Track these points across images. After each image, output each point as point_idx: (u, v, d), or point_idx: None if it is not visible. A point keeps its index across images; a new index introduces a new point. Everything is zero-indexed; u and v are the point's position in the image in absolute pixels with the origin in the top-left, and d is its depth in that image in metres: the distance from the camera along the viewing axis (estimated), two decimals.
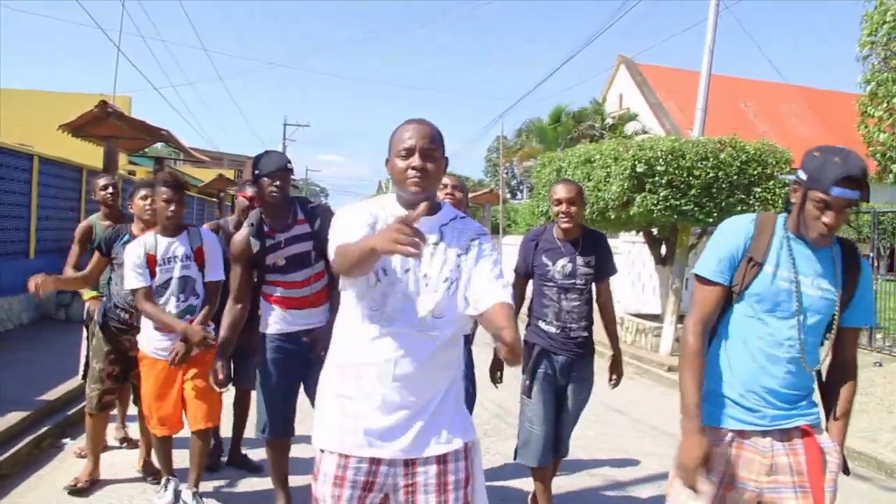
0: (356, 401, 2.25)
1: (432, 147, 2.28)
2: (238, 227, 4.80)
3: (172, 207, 4.15)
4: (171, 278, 4.17)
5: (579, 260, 4.05)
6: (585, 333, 4.09)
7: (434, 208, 2.38)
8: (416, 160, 2.24)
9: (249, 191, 4.86)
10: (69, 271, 5.01)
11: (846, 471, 2.55)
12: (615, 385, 4.31)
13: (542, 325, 4.11)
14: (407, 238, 1.86)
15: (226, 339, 3.89)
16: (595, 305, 4.23)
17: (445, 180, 4.27)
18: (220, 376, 3.83)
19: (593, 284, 4.15)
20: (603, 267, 4.14)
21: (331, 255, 2.25)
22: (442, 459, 2.28)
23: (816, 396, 2.58)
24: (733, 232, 2.54)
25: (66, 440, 5.63)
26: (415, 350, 2.24)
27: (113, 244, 4.53)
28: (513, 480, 5.00)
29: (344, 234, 2.24)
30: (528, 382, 4.09)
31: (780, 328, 2.45)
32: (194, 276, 4.23)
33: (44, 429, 5.52)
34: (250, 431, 4.53)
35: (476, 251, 2.35)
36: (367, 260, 2.05)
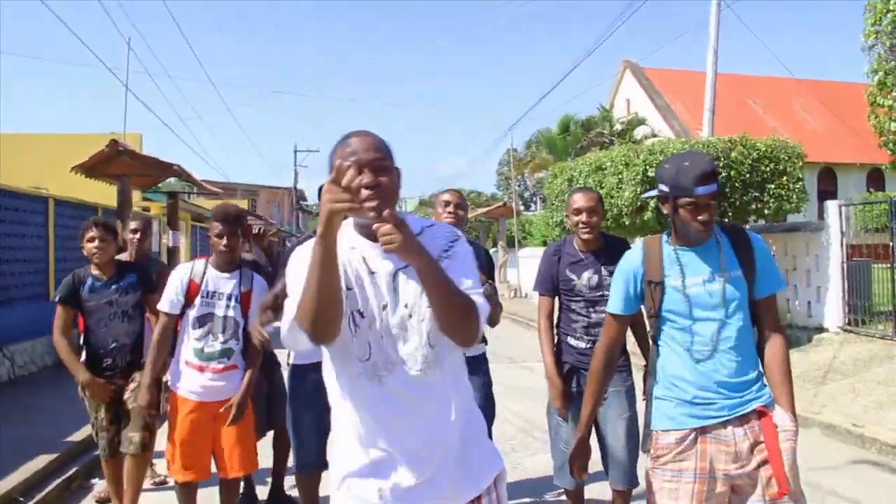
0: (372, 466, 2.02)
1: (380, 157, 1.97)
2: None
3: (225, 241, 3.94)
4: (212, 314, 3.93)
5: (604, 270, 3.84)
6: None
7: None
8: (366, 177, 1.91)
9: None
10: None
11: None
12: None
13: (571, 341, 3.92)
14: (339, 194, 1.72)
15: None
16: None
17: (447, 197, 4.18)
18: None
19: None
20: None
21: (284, 324, 1.97)
22: (476, 501, 2.10)
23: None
24: (623, 268, 2.81)
25: (95, 480, 5.62)
26: (421, 394, 2.00)
27: (79, 289, 4.39)
28: (543, 495, 4.95)
29: (295, 286, 1.98)
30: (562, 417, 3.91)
31: (703, 329, 2.61)
32: (238, 319, 3.97)
33: (72, 470, 5.53)
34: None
35: (451, 261, 2.07)
36: (326, 267, 1.80)
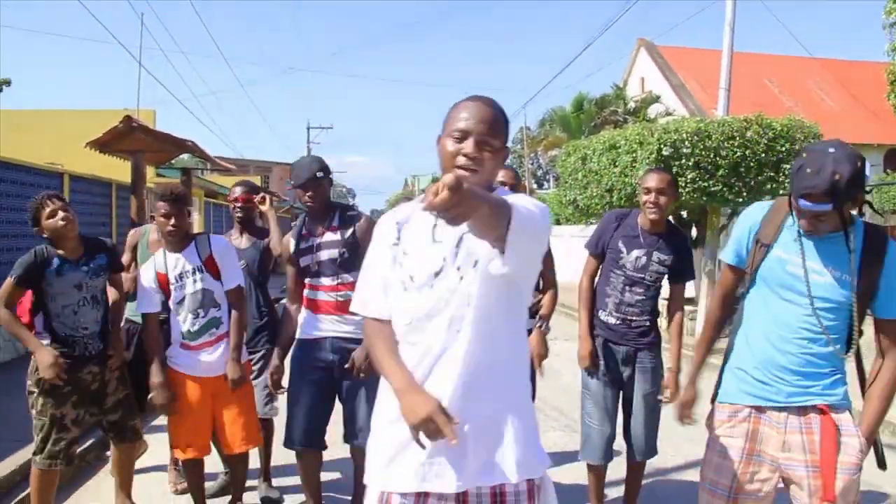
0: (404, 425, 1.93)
1: (490, 134, 1.93)
2: (239, 232, 4.82)
3: (172, 221, 3.84)
4: (185, 296, 3.91)
5: (655, 255, 3.85)
6: (648, 323, 3.91)
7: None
8: (469, 146, 1.91)
9: (238, 191, 4.82)
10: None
11: (881, 464, 2.59)
12: (668, 401, 3.81)
13: (601, 314, 3.95)
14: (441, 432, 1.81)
15: (285, 338, 3.98)
16: (663, 305, 4.04)
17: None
18: (277, 376, 3.91)
19: (665, 282, 3.97)
20: (680, 269, 3.95)
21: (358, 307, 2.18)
22: (499, 493, 1.95)
23: (850, 379, 2.58)
24: (745, 217, 2.68)
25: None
26: (466, 351, 1.91)
27: (43, 271, 3.77)
28: (556, 476, 4.97)
29: (366, 292, 2.14)
30: (589, 376, 3.98)
31: (789, 310, 2.49)
32: (210, 287, 3.94)
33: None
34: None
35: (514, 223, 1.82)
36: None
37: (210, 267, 3.96)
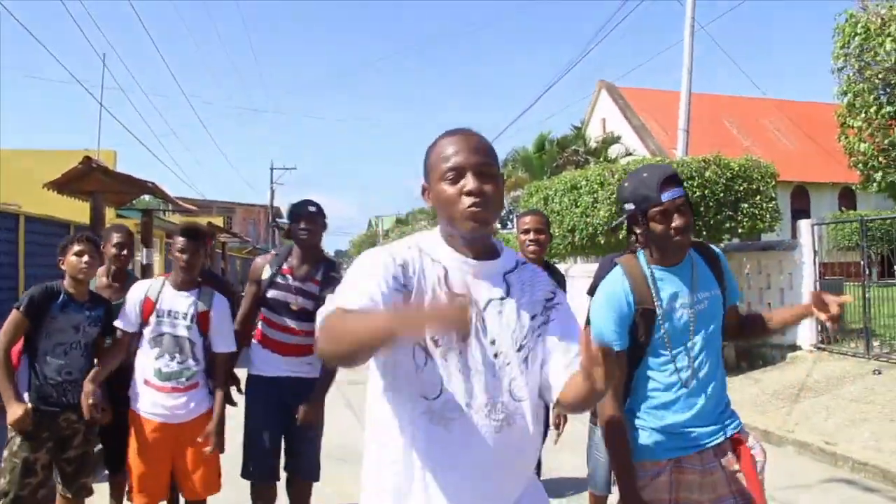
0: None
1: (487, 162, 1.71)
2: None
3: (186, 258, 3.79)
4: (165, 334, 3.78)
5: None
6: None
7: (491, 249, 1.81)
8: (470, 182, 1.66)
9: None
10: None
11: None
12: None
13: None
14: (460, 313, 1.34)
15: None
16: None
17: (529, 222, 4.14)
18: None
19: None
20: None
21: (317, 324, 1.63)
22: None
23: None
24: (611, 293, 2.52)
25: None
26: (489, 450, 1.66)
27: (49, 304, 3.74)
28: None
29: (345, 294, 1.64)
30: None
31: (686, 356, 2.49)
32: (194, 339, 3.82)
33: None
34: None
35: (557, 321, 1.79)
36: (369, 348, 1.46)
37: (201, 320, 3.84)
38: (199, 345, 3.85)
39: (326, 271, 3.98)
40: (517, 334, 1.71)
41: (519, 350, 1.70)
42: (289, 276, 3.92)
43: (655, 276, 2.50)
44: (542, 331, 1.76)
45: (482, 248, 1.77)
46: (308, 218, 3.92)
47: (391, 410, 1.71)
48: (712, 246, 2.68)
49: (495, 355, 1.68)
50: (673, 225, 2.40)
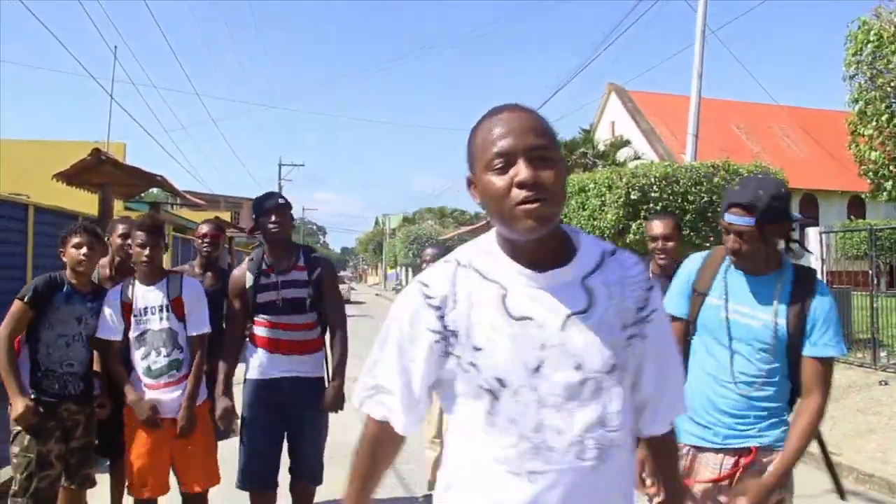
0: None
1: (543, 144, 1.39)
2: (203, 267, 4.77)
3: (147, 252, 3.78)
4: (147, 331, 3.82)
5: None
6: None
7: (562, 251, 1.48)
8: (523, 171, 1.36)
9: (204, 228, 4.79)
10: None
11: (841, 495, 2.82)
12: None
13: None
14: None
15: (226, 373, 3.92)
16: None
17: (658, 228, 3.94)
18: (227, 422, 3.88)
19: None
20: None
21: (357, 403, 1.59)
22: None
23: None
24: (684, 268, 2.77)
25: None
26: (581, 488, 1.40)
27: (53, 294, 3.77)
28: None
29: (374, 373, 1.56)
30: None
31: (724, 355, 2.57)
32: (175, 328, 3.85)
33: None
34: None
35: (655, 329, 1.51)
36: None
37: (176, 308, 3.87)
38: (182, 333, 3.89)
39: (307, 253, 3.95)
40: (604, 350, 1.42)
41: (610, 372, 1.43)
42: (272, 275, 3.87)
43: (728, 272, 2.60)
44: (633, 348, 1.48)
45: (549, 250, 1.45)
46: (278, 211, 3.84)
47: (466, 464, 1.49)
48: (820, 283, 2.52)
49: (581, 382, 1.41)
50: (728, 244, 2.51)
